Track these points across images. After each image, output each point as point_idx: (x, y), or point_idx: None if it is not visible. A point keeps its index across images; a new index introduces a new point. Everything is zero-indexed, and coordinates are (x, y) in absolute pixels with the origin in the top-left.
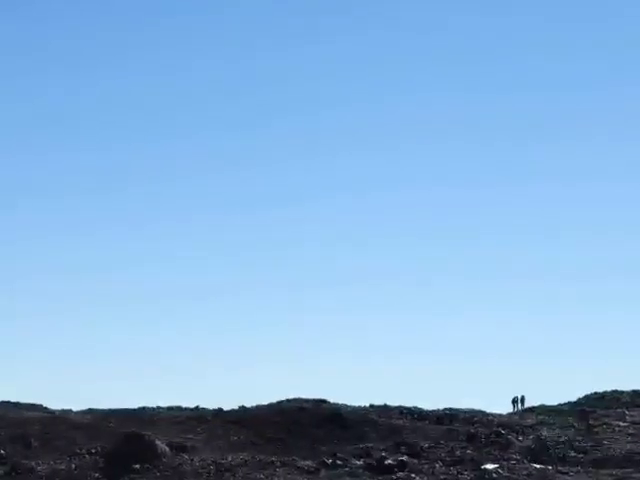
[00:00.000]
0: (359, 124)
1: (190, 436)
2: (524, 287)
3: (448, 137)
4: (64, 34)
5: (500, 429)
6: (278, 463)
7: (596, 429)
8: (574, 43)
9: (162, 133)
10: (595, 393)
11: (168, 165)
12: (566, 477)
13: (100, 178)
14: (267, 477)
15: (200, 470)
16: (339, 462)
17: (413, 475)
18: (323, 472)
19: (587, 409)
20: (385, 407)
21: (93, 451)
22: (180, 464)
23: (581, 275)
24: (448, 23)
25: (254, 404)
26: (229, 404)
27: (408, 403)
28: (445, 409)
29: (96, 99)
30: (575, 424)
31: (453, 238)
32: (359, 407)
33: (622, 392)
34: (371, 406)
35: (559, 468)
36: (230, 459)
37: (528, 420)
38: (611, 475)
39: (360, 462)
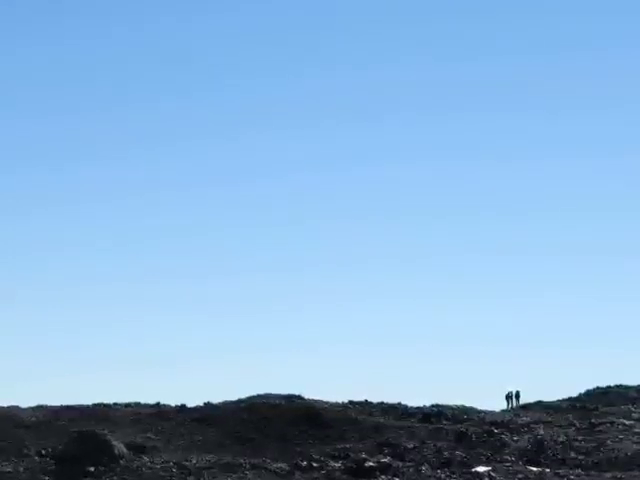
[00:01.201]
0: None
1: (150, 435)
2: (518, 272)
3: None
4: None
5: (493, 428)
6: (247, 465)
7: (598, 428)
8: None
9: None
10: (597, 388)
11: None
12: None
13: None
14: None
15: (161, 473)
16: (315, 464)
17: (397, 479)
18: (297, 475)
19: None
20: (366, 403)
21: (43, 452)
22: (139, 466)
23: (580, 258)
24: None
25: (221, 400)
26: (193, 400)
27: (391, 399)
28: (432, 406)
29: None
30: (575, 422)
31: (442, 221)
32: (337, 404)
33: (627, 387)
34: (350, 402)
35: (557, 471)
36: (194, 461)
37: (523, 418)
38: (615, 478)
39: (338, 464)
